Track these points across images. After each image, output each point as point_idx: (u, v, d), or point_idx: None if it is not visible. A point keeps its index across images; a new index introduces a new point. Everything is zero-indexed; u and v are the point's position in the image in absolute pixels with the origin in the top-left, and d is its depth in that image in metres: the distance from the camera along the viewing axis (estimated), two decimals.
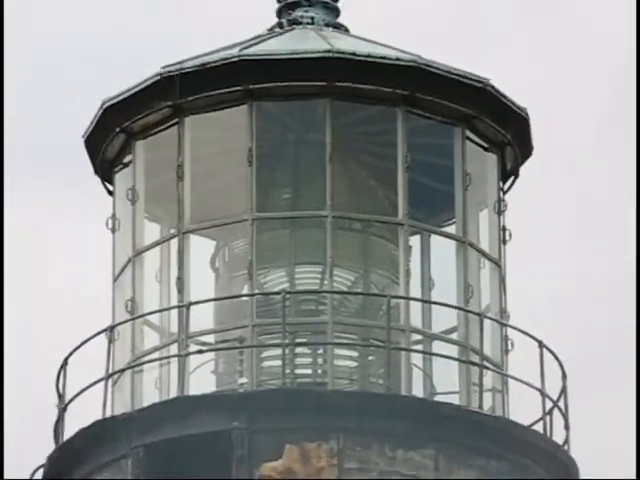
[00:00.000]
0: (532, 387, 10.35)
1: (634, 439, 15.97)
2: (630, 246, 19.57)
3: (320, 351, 10.72)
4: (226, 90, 10.56)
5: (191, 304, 10.45)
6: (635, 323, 16.07)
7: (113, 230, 11.07)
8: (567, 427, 10.43)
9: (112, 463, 10.06)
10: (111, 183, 11.39)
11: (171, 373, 10.53)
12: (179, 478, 10.10)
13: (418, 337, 11.06)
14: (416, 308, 10.94)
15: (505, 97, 10.86)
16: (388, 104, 10.73)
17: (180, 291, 10.54)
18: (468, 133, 11.09)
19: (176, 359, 10.44)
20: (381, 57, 10.66)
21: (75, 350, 10.50)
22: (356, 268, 11.15)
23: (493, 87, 10.81)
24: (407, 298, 10.70)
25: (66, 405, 10.58)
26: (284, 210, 11.05)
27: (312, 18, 11.62)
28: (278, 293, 10.64)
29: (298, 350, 10.53)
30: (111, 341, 10.42)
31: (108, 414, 10.27)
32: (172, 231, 11.19)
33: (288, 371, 10.21)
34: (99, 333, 10.48)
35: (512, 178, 11.76)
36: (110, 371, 10.41)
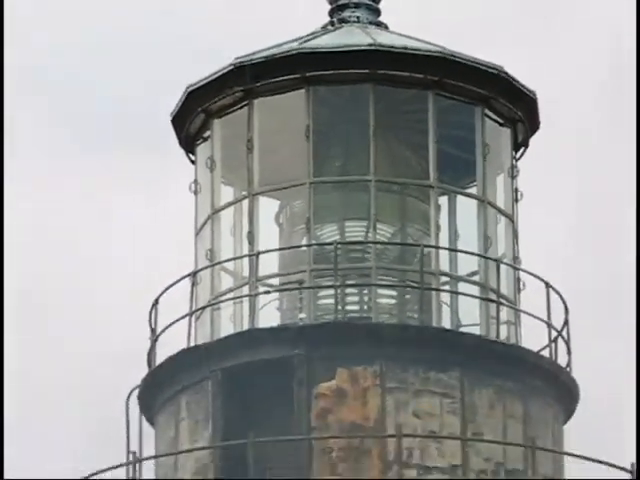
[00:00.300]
0: (540, 320, 11.64)
1: (633, 363, 17.75)
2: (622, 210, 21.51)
3: (365, 291, 12.17)
4: (288, 77, 11.87)
5: (259, 253, 11.95)
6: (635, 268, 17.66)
7: (195, 193, 12.49)
8: (569, 352, 11.64)
9: (195, 384, 11.50)
10: (193, 154, 12.73)
11: (243, 310, 11.94)
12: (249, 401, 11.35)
13: (446, 279, 12.35)
14: (444, 255, 12.19)
15: (516, 81, 12.03)
16: (420, 88, 11.90)
17: (250, 242, 11.97)
18: (486, 111, 12.26)
19: (247, 298, 11.92)
20: (414, 49, 11.84)
21: (164, 291, 11.98)
22: (395, 223, 12.48)
23: (506, 73, 11.95)
24: (437, 247, 12.08)
25: (157, 337, 12.12)
26: (335, 175, 12.42)
27: (358, 17, 12.77)
28: (331, 244, 12.03)
29: (348, 290, 12.01)
30: (194, 284, 11.93)
31: (192, 344, 11.79)
32: (243, 193, 12.53)
33: (339, 308, 11.64)
34: (184, 277, 11.93)
35: (523, 148, 13.00)
36: (193, 308, 11.92)
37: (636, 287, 16.75)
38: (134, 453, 11.79)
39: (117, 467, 11.40)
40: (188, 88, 12.14)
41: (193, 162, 12.84)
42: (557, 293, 11.84)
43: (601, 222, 24.11)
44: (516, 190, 12.74)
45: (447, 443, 11.26)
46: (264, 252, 12.24)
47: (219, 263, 12.50)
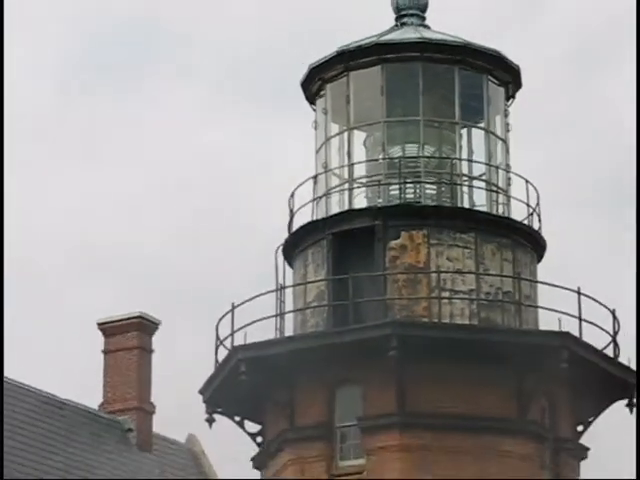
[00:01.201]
0: (522, 202, 17.04)
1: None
2: None
3: (418, 186, 17.19)
4: (370, 58, 17.21)
5: (353, 164, 17.34)
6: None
7: (315, 128, 18.01)
8: (540, 221, 17.15)
9: (316, 242, 16.82)
10: (314, 105, 18.23)
11: (344, 197, 17.29)
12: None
13: (466, 178, 17.51)
14: (465, 164, 17.42)
15: (507, 59, 17.38)
16: (449, 64, 17.18)
17: (349, 157, 17.37)
18: (489, 77, 17.47)
19: (346, 191, 17.36)
20: (445, 41, 17.25)
21: (297, 187, 17.24)
22: (435, 145, 17.55)
23: (500, 53, 17.33)
24: (460, 159, 17.33)
25: (293, 215, 17.40)
26: (399, 116, 17.39)
27: (412, 22, 17.83)
28: (397, 158, 17.27)
29: (407, 186, 17.02)
30: (315, 183, 17.33)
31: (314, 218, 17.08)
32: (344, 128, 17.64)
33: (402, 196, 16.87)
34: (307, 180, 17.29)
35: (511, 99, 18.12)
36: (315, 196, 17.17)
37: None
38: (281, 284, 17.09)
39: (267, 293, 16.57)
40: (310, 66, 17.52)
41: (314, 110, 18.19)
42: (533, 186, 17.18)
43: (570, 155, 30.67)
44: (507, 124, 17.93)
45: (467, 276, 16.35)
46: (357, 163, 17.59)
47: (330, 170, 17.73)
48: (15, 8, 28.70)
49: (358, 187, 17.86)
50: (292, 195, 17.59)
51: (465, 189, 17.77)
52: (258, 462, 17.48)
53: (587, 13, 36.57)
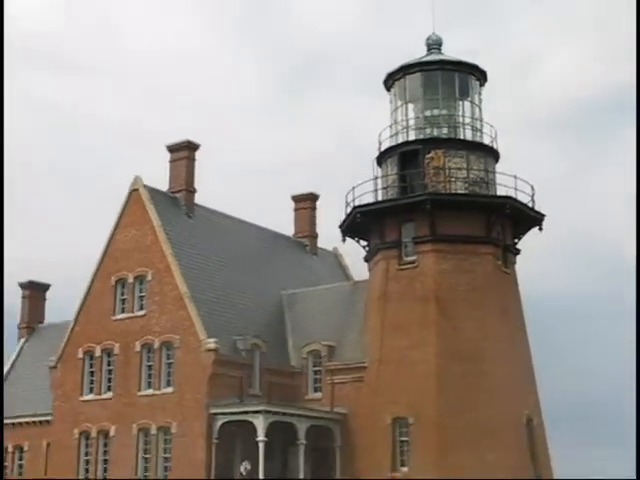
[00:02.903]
0: (489, 135, 36.99)
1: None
2: None
3: (438, 129, 35.93)
4: (415, 70, 35.95)
5: (409, 119, 36.46)
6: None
7: (390, 102, 36.79)
8: (497, 142, 37.19)
9: (391, 156, 35.82)
10: (389, 91, 36.97)
11: (405, 135, 36.24)
12: None
13: (461, 124, 36.23)
14: (460, 118, 36.22)
15: (480, 67, 35.86)
16: (452, 71, 35.70)
17: (406, 116, 36.44)
18: (471, 76, 36.35)
19: (405, 132, 36.27)
20: (450, 60, 35.77)
21: (382, 130, 36.76)
22: (446, 110, 36.14)
23: (477, 65, 35.99)
24: (458, 115, 36.47)
25: (380, 143, 36.50)
26: (429, 96, 35.91)
27: (437, 51, 36.39)
28: (429, 117, 36.18)
29: (434, 128, 36.02)
30: (391, 127, 37.62)
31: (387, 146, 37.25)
32: (403, 102, 36.63)
33: (431, 133, 35.87)
34: (386, 127, 36.96)
35: (482, 87, 36.80)
36: (391, 134, 36.16)
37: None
38: (376, 175, 36.54)
39: (369, 181, 36.64)
40: (387, 72, 36.51)
41: (389, 94, 37.29)
42: (493, 127, 36.27)
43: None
44: (480, 99, 36.93)
45: (462, 170, 34.90)
46: (410, 118, 36.68)
47: (397, 122, 36.85)
48: None
49: (411, 129, 36.53)
50: (380, 134, 36.63)
51: (461, 129, 36.14)
52: (367, 258, 37.38)
53: None
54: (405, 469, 33.58)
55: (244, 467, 34.25)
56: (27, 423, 43.95)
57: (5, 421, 42.78)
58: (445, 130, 36.37)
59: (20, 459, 44.56)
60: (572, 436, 61.98)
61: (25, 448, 44.27)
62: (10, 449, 44.66)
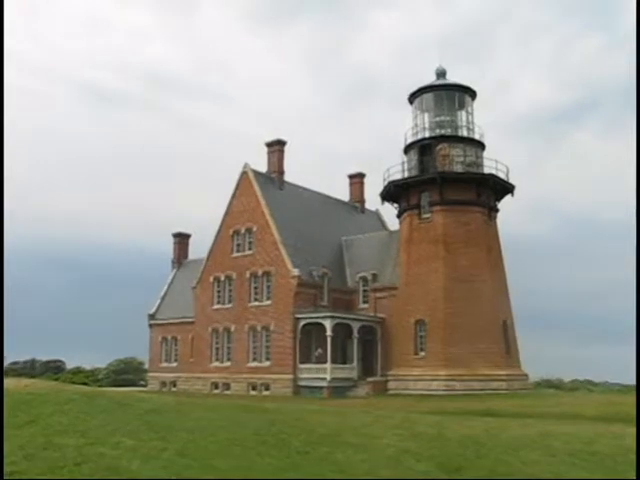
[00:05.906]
0: (479, 133, 53.82)
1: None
2: None
3: (444, 129, 51.86)
4: (428, 90, 52.34)
5: (425, 123, 53.21)
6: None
7: (412, 112, 53.19)
8: (483, 138, 53.82)
9: (413, 149, 52.19)
10: (411, 104, 53.25)
11: (422, 133, 52.94)
12: None
13: (459, 126, 52.39)
14: (459, 122, 52.12)
15: (471, 88, 51.99)
16: (454, 91, 52.06)
17: (422, 120, 52.83)
18: (466, 94, 52.61)
19: (422, 131, 53.47)
20: (453, 84, 52.12)
21: (407, 131, 53.70)
22: (449, 117, 52.25)
23: (469, 86, 52.09)
24: (457, 120, 53.13)
25: (406, 139, 52.76)
26: (438, 108, 52.06)
27: (442, 77, 52.65)
28: (438, 121, 52.88)
29: (442, 129, 52.66)
30: (413, 129, 54.07)
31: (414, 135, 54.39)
32: (420, 111, 52.62)
33: (440, 132, 52.03)
34: (409, 129, 54.14)
35: (474, 101, 52.90)
36: (413, 132, 52.61)
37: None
38: (404, 161, 54.08)
39: (397, 165, 53.76)
40: (410, 92, 53.04)
41: (411, 105, 53.66)
42: (479, 127, 53.23)
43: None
44: (473, 109, 53.35)
45: (460, 156, 51.00)
46: (426, 122, 53.42)
47: (417, 125, 53.13)
48: None
49: (426, 130, 52.39)
50: (405, 133, 53.18)
51: (460, 129, 51.92)
52: (397, 216, 54.23)
53: None
54: (423, 353, 48.77)
55: (318, 352, 49.18)
56: (179, 323, 60.39)
57: (165, 321, 60.88)
58: (449, 130, 51.80)
59: (175, 345, 61.51)
60: (534, 334, 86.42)
61: (178, 338, 61.23)
62: (169, 339, 61.43)
